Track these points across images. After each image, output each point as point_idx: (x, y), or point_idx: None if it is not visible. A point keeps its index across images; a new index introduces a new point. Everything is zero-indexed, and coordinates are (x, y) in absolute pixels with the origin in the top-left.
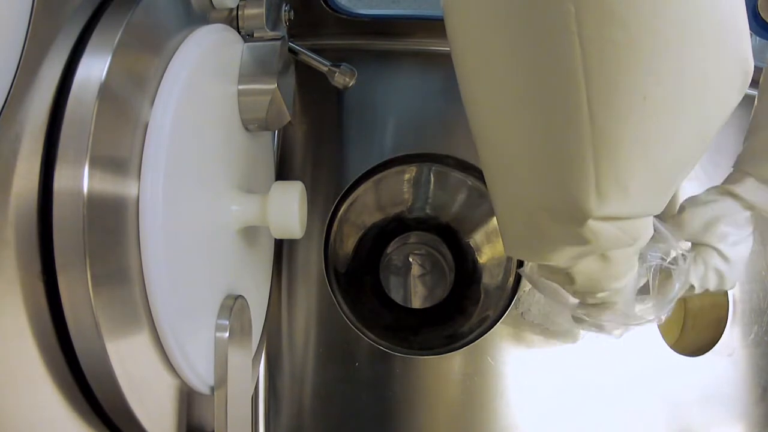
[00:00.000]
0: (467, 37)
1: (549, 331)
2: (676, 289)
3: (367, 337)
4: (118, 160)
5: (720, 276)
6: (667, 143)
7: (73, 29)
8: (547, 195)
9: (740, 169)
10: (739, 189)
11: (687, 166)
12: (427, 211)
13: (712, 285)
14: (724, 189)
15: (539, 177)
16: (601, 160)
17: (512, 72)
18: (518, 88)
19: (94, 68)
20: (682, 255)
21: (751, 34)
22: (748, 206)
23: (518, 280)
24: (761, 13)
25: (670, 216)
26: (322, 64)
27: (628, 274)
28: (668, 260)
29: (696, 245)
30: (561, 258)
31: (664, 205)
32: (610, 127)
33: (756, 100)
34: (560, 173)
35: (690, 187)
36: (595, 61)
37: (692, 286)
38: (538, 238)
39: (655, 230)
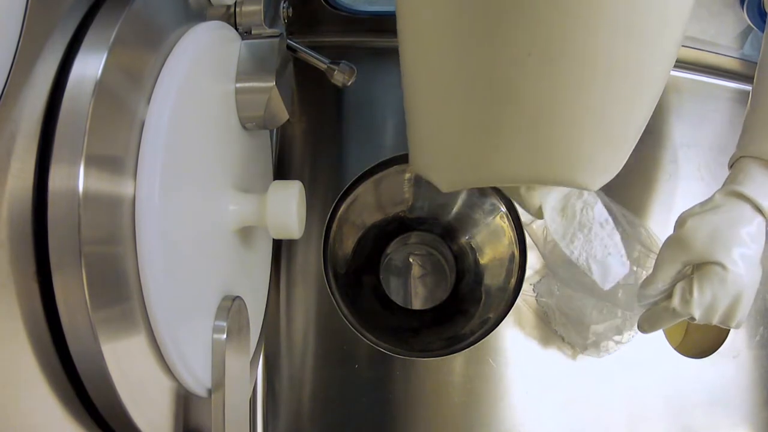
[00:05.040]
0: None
1: (550, 333)
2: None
3: (367, 339)
4: (114, 159)
5: (731, 305)
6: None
7: (69, 26)
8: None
9: (744, 157)
10: (746, 189)
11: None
12: (428, 211)
13: (717, 316)
14: (730, 191)
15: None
16: None
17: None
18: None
19: (89, 65)
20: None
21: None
22: (758, 209)
23: (520, 281)
24: (766, 8)
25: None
26: (320, 62)
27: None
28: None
29: (699, 268)
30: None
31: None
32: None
33: (755, 77)
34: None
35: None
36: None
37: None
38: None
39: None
